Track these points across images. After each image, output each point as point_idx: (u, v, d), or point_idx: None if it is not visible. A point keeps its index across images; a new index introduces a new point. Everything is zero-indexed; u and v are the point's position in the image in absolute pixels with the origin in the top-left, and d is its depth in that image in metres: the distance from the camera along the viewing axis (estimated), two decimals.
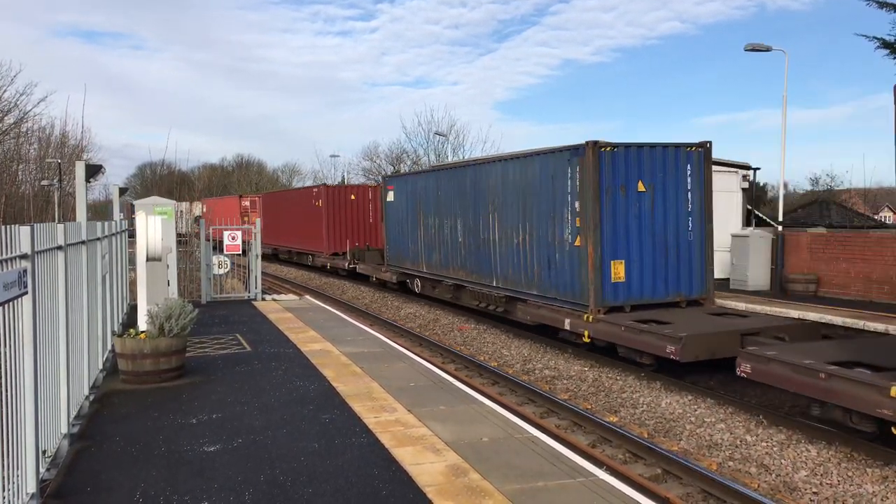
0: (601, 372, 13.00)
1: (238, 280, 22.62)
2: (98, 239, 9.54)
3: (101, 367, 9.63)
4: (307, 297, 20.20)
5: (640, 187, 13.68)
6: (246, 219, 43.38)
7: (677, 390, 11.52)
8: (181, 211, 57.65)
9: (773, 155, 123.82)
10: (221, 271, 18.03)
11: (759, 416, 10.01)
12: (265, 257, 35.30)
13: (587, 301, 13.48)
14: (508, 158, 16.85)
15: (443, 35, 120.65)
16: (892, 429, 8.09)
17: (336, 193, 30.43)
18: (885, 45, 22.39)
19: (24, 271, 5.07)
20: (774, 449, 8.86)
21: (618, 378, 12.51)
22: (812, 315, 13.60)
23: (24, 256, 5.12)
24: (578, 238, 13.74)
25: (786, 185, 23.75)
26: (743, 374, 10.06)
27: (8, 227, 4.89)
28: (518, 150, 18.80)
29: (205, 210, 50.14)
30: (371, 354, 11.26)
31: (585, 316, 13.43)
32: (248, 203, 45.67)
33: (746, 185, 21.52)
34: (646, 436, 9.45)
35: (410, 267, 22.42)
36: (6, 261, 4.78)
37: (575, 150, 13.82)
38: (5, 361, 4.86)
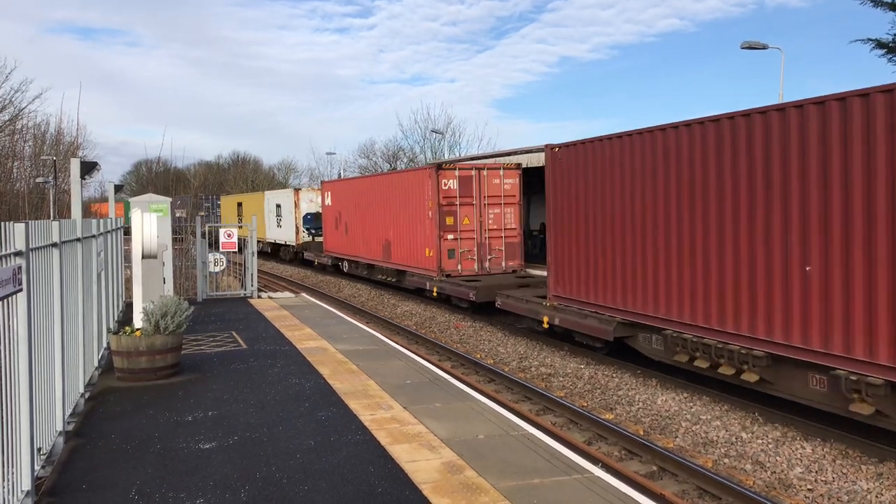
0: (597, 369, 13.02)
1: (234, 277, 22.60)
2: (93, 236, 9.52)
3: (96, 364, 9.62)
4: (303, 294, 20.18)
5: None
6: (451, 220, 20.14)
7: (673, 388, 11.54)
8: (277, 205, 38.02)
9: None
10: (217, 269, 18.00)
11: (755, 413, 10.03)
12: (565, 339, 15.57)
13: None
14: None
15: (440, 32, 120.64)
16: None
17: None
18: (881, 45, 22.45)
19: (19, 268, 5.05)
20: (770, 446, 8.88)
21: (614, 375, 12.53)
22: None
23: (18, 253, 5.11)
24: None
25: None
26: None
27: (3, 223, 4.87)
28: None
29: (329, 202, 29.81)
30: (367, 352, 11.26)
31: None
32: (453, 182, 20.30)
33: None
34: (641, 433, 9.47)
35: None
36: (1, 258, 4.77)
37: None
38: (0, 359, 4.84)
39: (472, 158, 21.45)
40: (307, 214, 35.61)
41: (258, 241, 41.16)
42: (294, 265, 37.34)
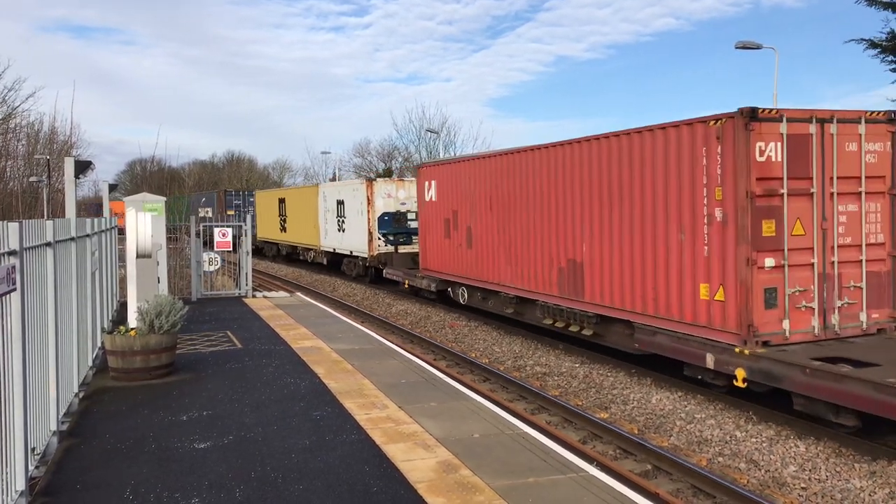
0: (592, 368, 13.04)
1: (228, 277, 22.57)
2: (88, 235, 9.49)
3: (90, 364, 9.60)
4: (298, 294, 20.17)
5: None
6: (770, 226, 9.80)
7: (668, 386, 11.56)
8: (338, 202, 28.21)
9: None
10: (212, 268, 17.98)
11: (749, 412, 10.07)
12: None
13: None
14: None
15: (436, 31, 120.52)
16: None
17: None
18: (874, 45, 22.58)
19: (13, 268, 5.04)
20: (763, 445, 8.91)
21: (608, 374, 12.55)
22: None
23: (12, 253, 5.09)
24: None
25: None
26: None
27: None
28: None
29: (433, 196, 19.90)
30: (362, 351, 11.25)
31: None
32: (776, 149, 9.87)
33: None
34: (636, 432, 9.49)
35: None
36: None
37: None
38: None
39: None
40: (384, 215, 25.38)
41: (310, 249, 32.99)
42: (325, 272, 30.45)
